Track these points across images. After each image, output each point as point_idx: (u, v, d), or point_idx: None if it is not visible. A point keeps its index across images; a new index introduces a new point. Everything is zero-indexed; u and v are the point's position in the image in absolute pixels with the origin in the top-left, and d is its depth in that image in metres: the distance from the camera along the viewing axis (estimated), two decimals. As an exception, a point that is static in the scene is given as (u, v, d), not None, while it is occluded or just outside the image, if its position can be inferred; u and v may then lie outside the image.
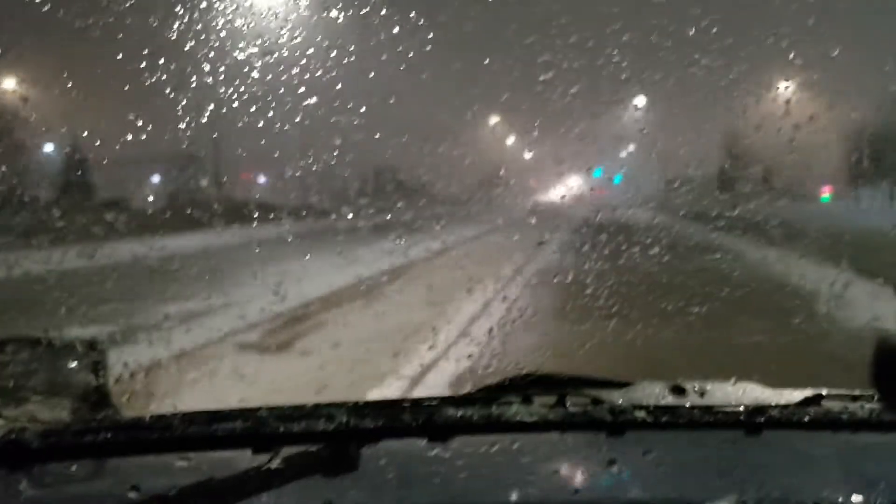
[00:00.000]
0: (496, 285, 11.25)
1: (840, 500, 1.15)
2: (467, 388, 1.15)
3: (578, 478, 1.28)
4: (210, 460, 1.16)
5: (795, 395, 1.16)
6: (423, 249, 16.13)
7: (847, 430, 1.15)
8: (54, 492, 1.25)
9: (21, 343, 1.44)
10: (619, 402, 1.10)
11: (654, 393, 1.14)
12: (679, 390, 1.15)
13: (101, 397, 1.39)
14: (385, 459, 1.22)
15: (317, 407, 1.11)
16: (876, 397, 1.18)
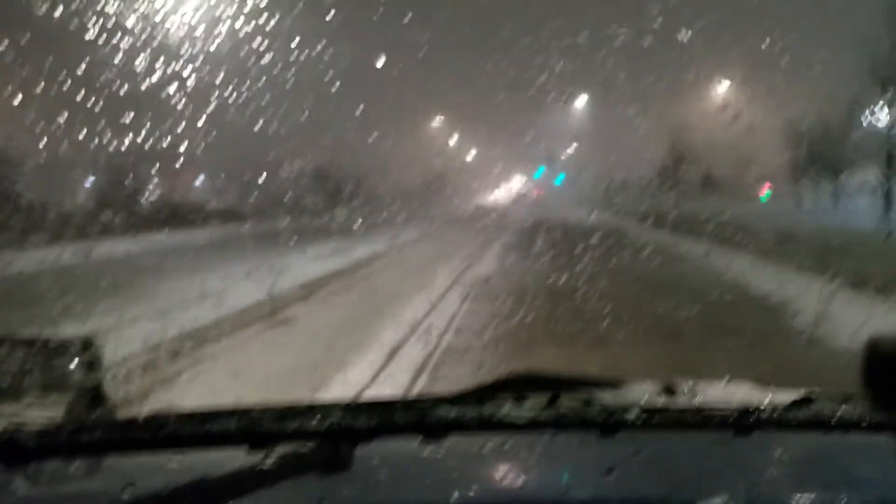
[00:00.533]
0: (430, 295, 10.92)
1: (830, 501, 1.15)
2: (460, 388, 1.16)
3: (570, 477, 1.29)
4: (204, 459, 1.17)
5: (786, 396, 1.17)
6: (358, 255, 15.64)
7: (837, 430, 1.16)
8: (49, 490, 1.26)
9: (15, 342, 1.44)
10: (611, 403, 1.11)
11: (646, 393, 1.15)
12: (670, 391, 1.16)
13: (95, 396, 1.39)
14: (378, 458, 1.22)
15: (311, 406, 1.12)
16: (866, 398, 1.19)
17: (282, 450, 1.10)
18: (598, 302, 9.03)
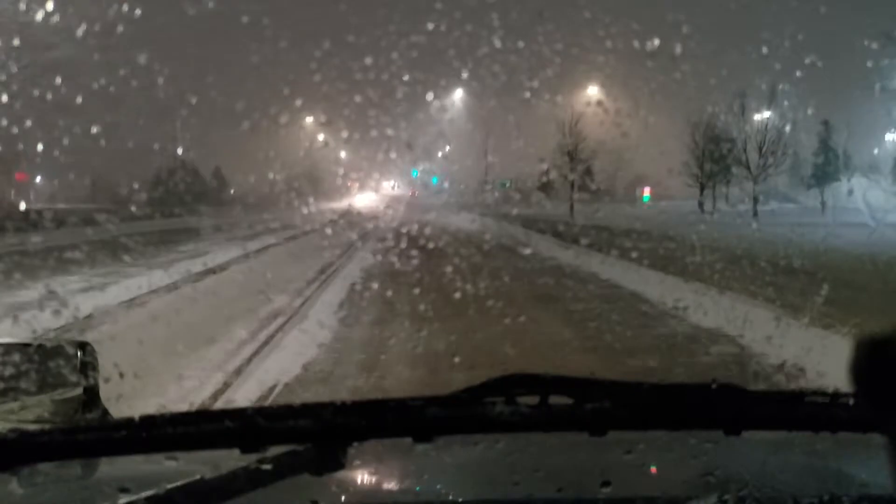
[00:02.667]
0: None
1: (820, 500, 1.16)
2: (452, 389, 1.16)
3: (561, 477, 1.30)
4: (198, 460, 1.18)
5: (776, 397, 1.17)
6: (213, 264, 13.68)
7: (827, 430, 1.17)
8: (44, 492, 1.27)
9: (11, 344, 1.45)
10: (602, 403, 1.12)
11: (637, 393, 1.15)
12: (661, 390, 1.16)
13: (90, 398, 1.40)
14: (371, 459, 1.23)
15: (303, 406, 1.12)
16: (856, 397, 1.19)
17: (274, 451, 1.11)
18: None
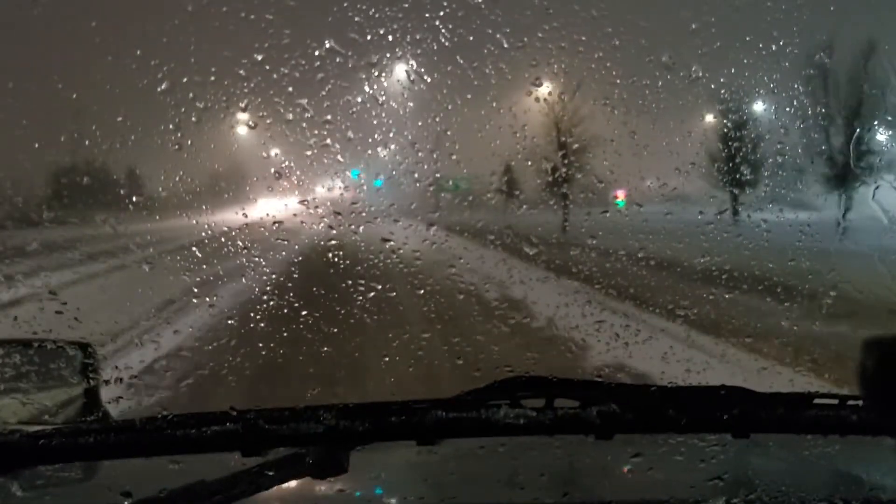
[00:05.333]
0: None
1: (828, 502, 1.15)
2: (455, 392, 1.15)
3: (567, 481, 1.29)
4: (200, 463, 1.17)
5: (784, 399, 1.16)
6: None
7: (835, 433, 1.16)
8: (45, 494, 1.26)
9: (12, 345, 1.44)
10: (608, 406, 1.10)
11: (643, 396, 1.14)
12: (667, 393, 1.15)
13: (91, 400, 1.39)
14: (374, 462, 1.22)
15: (306, 409, 1.11)
16: (864, 401, 1.18)
17: (277, 453, 1.10)
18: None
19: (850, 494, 1.16)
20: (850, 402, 1.17)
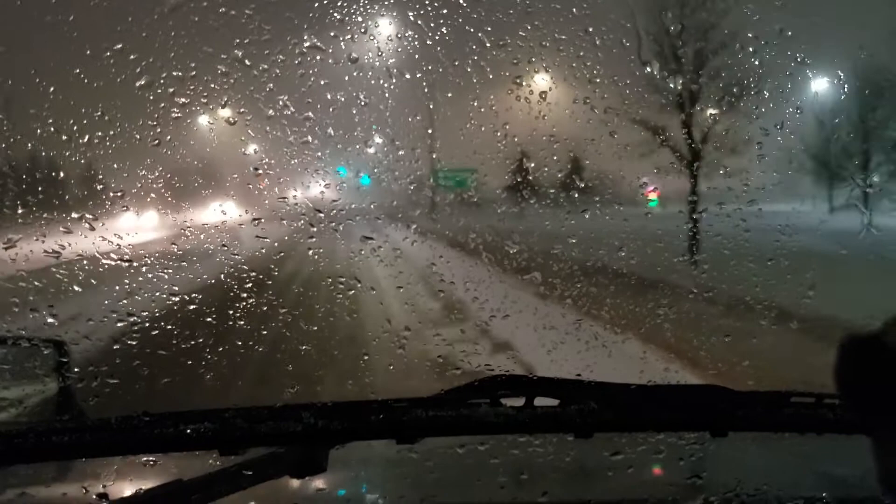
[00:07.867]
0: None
1: (806, 500, 1.16)
2: (436, 390, 1.15)
3: (547, 479, 1.29)
4: (176, 462, 1.15)
5: (762, 398, 1.17)
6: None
7: (812, 432, 1.17)
8: (18, 494, 1.24)
9: None
10: (588, 405, 1.10)
11: (623, 395, 1.14)
12: (647, 392, 1.15)
13: (66, 398, 1.37)
14: (354, 461, 1.21)
15: (284, 408, 1.10)
16: (841, 400, 1.19)
17: (255, 452, 1.09)
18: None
19: (826, 492, 1.17)
20: (827, 401, 1.18)
